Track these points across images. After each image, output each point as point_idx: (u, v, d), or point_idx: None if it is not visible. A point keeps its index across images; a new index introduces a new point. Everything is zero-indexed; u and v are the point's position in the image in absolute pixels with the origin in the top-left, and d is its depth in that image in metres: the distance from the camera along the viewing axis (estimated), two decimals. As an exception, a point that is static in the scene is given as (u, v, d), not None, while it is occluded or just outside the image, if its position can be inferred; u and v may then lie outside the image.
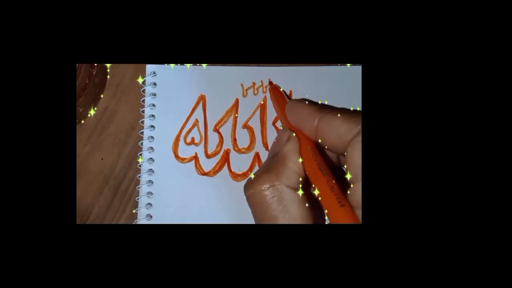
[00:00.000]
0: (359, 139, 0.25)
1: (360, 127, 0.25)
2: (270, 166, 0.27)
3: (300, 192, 0.26)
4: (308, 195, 0.27)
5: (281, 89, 0.40)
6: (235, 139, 0.42)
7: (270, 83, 0.42)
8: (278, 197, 0.26)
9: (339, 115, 0.26)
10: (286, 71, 0.42)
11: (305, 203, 0.26)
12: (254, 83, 0.42)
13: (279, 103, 0.37)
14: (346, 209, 0.24)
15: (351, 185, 0.26)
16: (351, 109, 0.29)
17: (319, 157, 0.27)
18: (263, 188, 0.26)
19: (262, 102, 0.42)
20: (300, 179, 0.27)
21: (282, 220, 0.26)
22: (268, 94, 0.42)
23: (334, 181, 0.25)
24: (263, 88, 0.42)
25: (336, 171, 0.27)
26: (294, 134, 0.29)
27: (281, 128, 0.31)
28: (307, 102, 0.29)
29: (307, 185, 0.28)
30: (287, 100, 0.34)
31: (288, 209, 0.26)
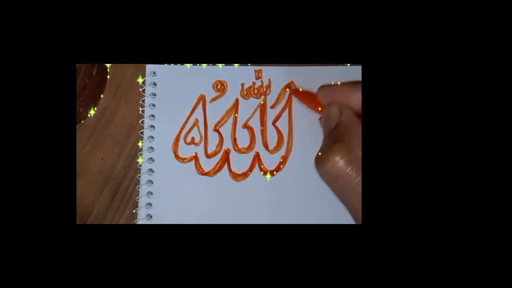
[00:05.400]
0: None
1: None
2: (338, 137, 0.28)
3: None
4: None
5: (300, 89, 0.41)
6: (235, 139, 0.42)
7: (290, 86, 0.43)
8: (354, 164, 0.27)
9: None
10: (287, 71, 0.42)
11: None
12: (254, 83, 0.42)
13: (309, 98, 0.38)
14: None
15: None
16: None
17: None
18: (338, 158, 0.27)
19: (262, 102, 0.42)
20: None
21: (357, 182, 0.26)
22: (268, 95, 0.42)
23: None
24: (263, 88, 0.42)
25: None
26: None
27: (327, 106, 0.32)
28: (334, 83, 0.32)
29: None
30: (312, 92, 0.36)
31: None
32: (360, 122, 0.29)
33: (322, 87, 0.33)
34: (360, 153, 0.27)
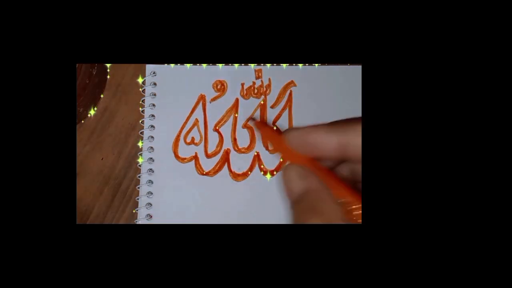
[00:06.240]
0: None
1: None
2: (310, 209, 0.25)
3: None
4: None
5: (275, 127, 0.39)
6: (235, 139, 0.42)
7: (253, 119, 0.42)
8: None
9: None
10: (287, 71, 0.42)
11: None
12: (254, 83, 0.42)
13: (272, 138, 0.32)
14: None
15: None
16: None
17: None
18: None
19: (262, 102, 0.42)
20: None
21: None
22: (268, 94, 0.42)
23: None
24: (263, 87, 0.42)
25: None
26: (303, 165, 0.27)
27: (285, 169, 0.28)
28: (307, 127, 0.27)
29: None
30: (278, 130, 0.31)
31: None
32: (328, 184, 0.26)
33: (291, 130, 0.28)
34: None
